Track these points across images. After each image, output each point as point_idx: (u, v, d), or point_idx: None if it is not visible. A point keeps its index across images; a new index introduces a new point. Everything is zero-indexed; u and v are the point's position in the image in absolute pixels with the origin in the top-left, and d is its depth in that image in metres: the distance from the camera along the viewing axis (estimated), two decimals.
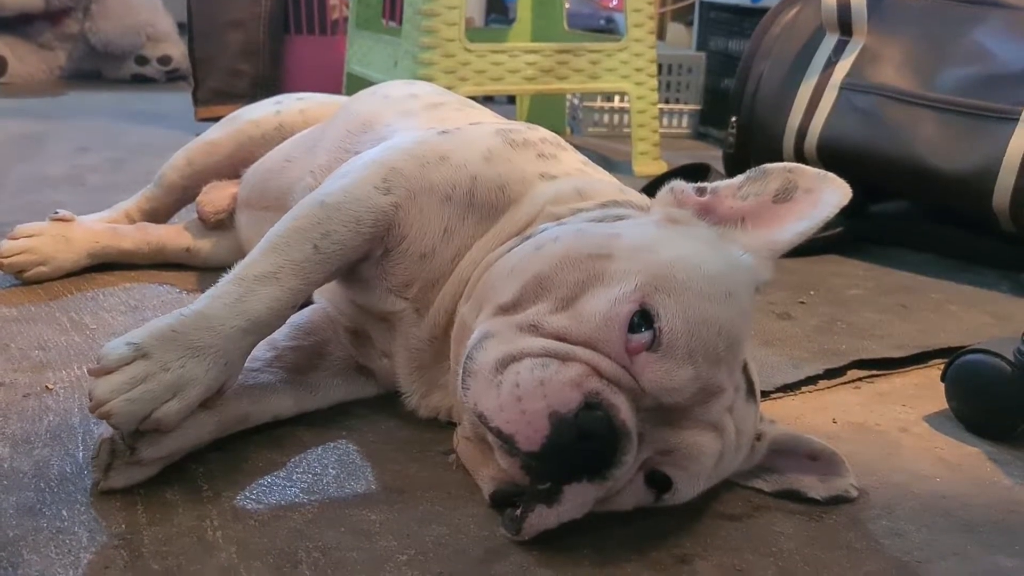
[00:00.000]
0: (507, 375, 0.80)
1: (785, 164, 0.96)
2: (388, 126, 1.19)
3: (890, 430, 1.10)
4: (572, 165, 1.08)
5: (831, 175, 0.95)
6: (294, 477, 0.93)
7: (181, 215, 1.60)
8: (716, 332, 0.82)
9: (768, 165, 0.97)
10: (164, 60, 3.64)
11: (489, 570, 0.80)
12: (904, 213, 1.83)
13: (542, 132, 1.10)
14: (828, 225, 0.96)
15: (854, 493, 0.94)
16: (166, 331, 0.88)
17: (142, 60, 3.63)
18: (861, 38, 1.74)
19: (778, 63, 1.81)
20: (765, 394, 1.12)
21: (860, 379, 1.22)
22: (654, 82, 2.27)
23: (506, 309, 0.87)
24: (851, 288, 1.56)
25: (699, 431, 0.82)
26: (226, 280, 0.94)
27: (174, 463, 0.92)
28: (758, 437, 0.94)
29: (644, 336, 0.80)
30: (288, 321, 1.08)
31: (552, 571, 0.81)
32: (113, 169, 2.22)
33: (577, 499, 0.80)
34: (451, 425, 1.00)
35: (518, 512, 0.82)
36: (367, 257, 1.00)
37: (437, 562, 0.81)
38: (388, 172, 1.00)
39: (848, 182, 0.93)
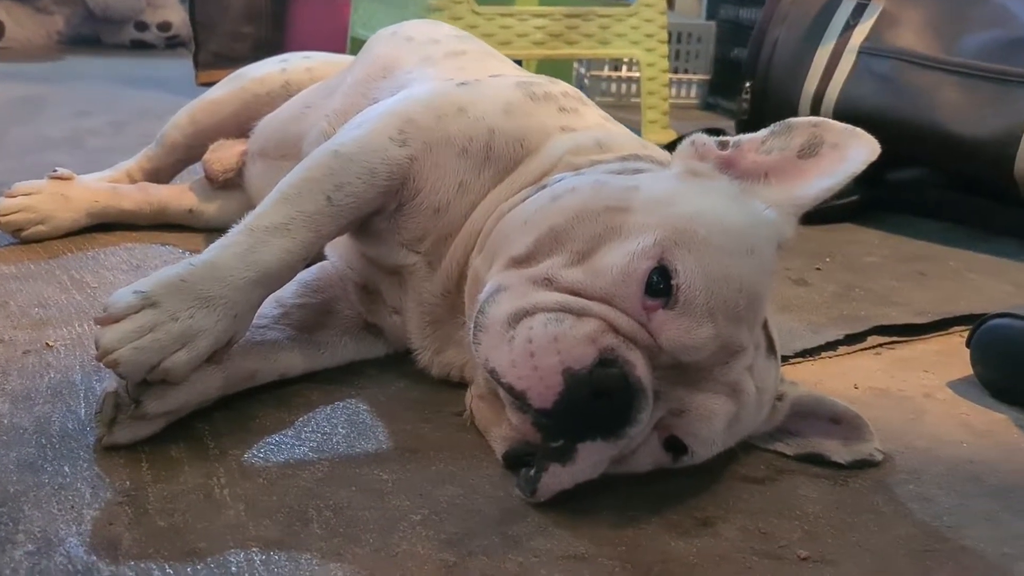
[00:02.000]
0: (520, 330, 0.77)
1: (810, 119, 0.93)
2: (408, 72, 1.16)
3: (914, 396, 1.07)
4: (593, 120, 1.05)
5: (859, 130, 0.92)
6: (303, 436, 0.90)
7: (183, 177, 1.57)
8: (737, 289, 0.79)
9: (793, 119, 0.93)
10: (164, 26, 3.58)
11: (506, 530, 0.78)
12: (921, 181, 1.80)
13: (563, 86, 1.06)
14: (843, 193, 0.93)
15: (879, 457, 0.91)
16: (175, 280, 0.85)
17: (141, 26, 3.58)
18: (880, 1, 1.70)
19: (794, 27, 1.77)
20: (784, 359, 1.09)
21: (880, 345, 1.19)
22: (665, 48, 2.23)
23: (519, 262, 0.84)
24: (867, 255, 1.53)
25: (713, 394, 0.79)
26: (236, 231, 0.91)
27: (179, 421, 0.89)
28: (779, 398, 0.92)
29: (662, 292, 0.78)
30: (296, 278, 1.05)
31: (570, 532, 0.78)
32: (114, 132, 2.18)
33: (591, 458, 0.78)
34: (463, 386, 0.97)
35: (532, 472, 0.80)
36: (380, 211, 0.97)
37: (452, 522, 0.78)
38: (404, 123, 0.97)
39: None
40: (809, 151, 0.91)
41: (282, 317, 1.01)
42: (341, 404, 0.97)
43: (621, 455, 0.80)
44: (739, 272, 0.79)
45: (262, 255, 0.88)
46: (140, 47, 3.60)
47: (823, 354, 1.15)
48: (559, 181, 0.92)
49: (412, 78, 1.13)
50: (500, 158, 0.96)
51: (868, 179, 1.80)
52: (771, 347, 0.87)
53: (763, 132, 0.93)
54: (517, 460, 0.83)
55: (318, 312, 1.04)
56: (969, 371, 1.10)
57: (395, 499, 0.81)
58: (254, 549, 0.73)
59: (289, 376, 0.99)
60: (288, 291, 1.04)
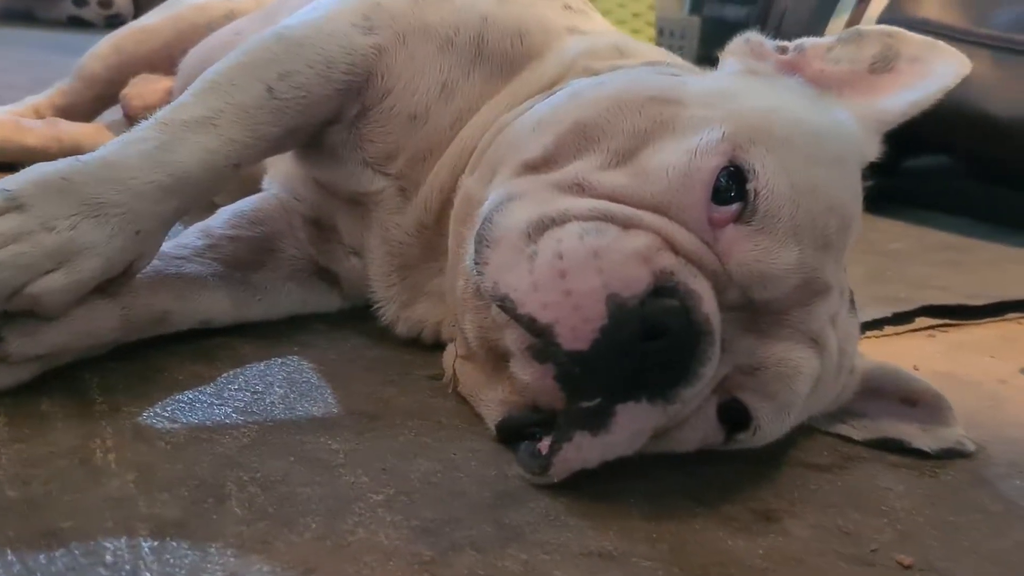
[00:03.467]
0: (544, 243, 0.56)
1: (883, 27, 0.76)
2: None
3: (984, 381, 0.88)
4: (605, 25, 0.85)
5: (941, 43, 0.75)
6: (226, 395, 0.68)
7: (103, 118, 1.33)
8: (827, 206, 0.59)
9: (863, 27, 0.77)
10: (105, 3, 3.33)
11: (501, 518, 0.56)
12: (941, 171, 1.63)
13: None
14: None
15: (970, 447, 0.72)
16: (54, 179, 0.63)
17: (80, 1, 3.32)
18: None
19: None
20: None
21: (932, 327, 1.01)
22: (651, 31, 2.07)
23: (535, 167, 0.64)
24: (892, 242, 1.36)
25: (794, 344, 0.60)
26: (144, 125, 0.69)
27: (58, 369, 0.66)
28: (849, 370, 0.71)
29: (734, 200, 0.58)
30: (229, 208, 0.84)
31: (590, 524, 0.57)
32: (33, 87, 1.93)
33: (631, 426, 0.57)
34: (436, 348, 0.76)
35: (543, 444, 0.58)
36: (337, 118, 0.76)
37: (427, 505, 0.56)
38: (370, 8, 0.76)
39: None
40: (883, 64, 0.74)
41: (208, 250, 0.79)
42: (279, 360, 0.75)
43: (666, 426, 0.59)
44: (829, 184, 0.60)
45: (177, 154, 0.66)
46: (78, 24, 3.34)
47: (868, 333, 0.96)
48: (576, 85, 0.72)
49: None
50: (494, 55, 0.76)
51: (883, 166, 1.61)
52: (852, 301, 0.67)
53: (829, 39, 0.76)
54: (516, 432, 0.62)
55: (255, 249, 0.81)
56: None
57: (349, 474, 0.59)
58: (143, 532, 0.51)
59: (213, 324, 0.77)
60: (218, 220, 0.82)
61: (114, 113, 1.31)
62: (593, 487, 0.59)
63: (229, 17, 1.24)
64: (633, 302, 0.54)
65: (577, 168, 0.61)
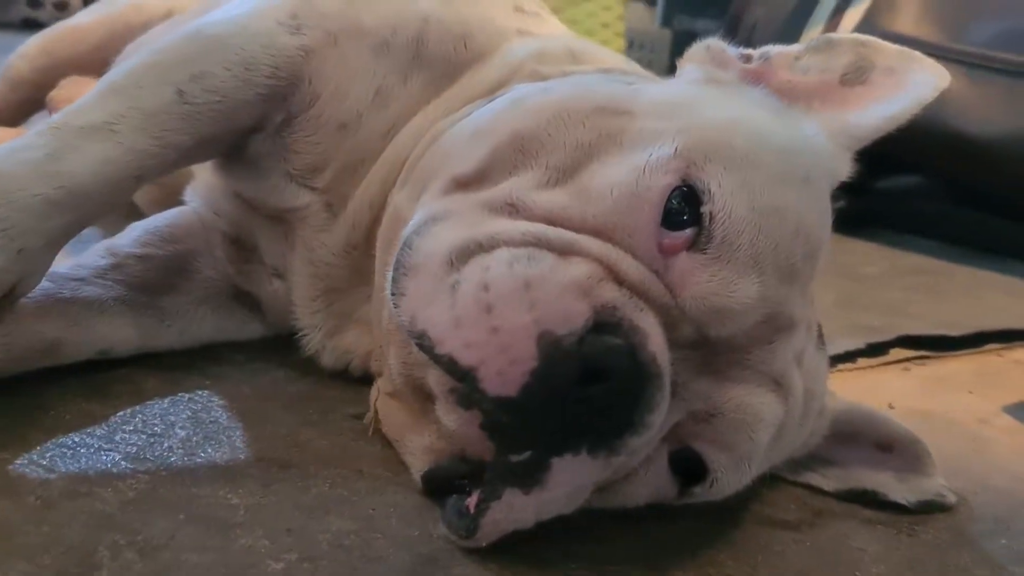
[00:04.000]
0: (469, 271, 0.49)
1: (856, 36, 0.70)
2: None
3: (965, 421, 0.82)
4: (560, 29, 0.79)
5: (918, 54, 0.69)
6: (117, 438, 0.60)
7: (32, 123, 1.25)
8: (792, 231, 0.53)
9: (834, 35, 0.70)
10: (60, 5, 3.22)
11: None
12: (914, 192, 1.58)
13: None
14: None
15: (952, 499, 0.65)
16: None
17: (35, 3, 3.21)
18: None
19: (776, 10, 1.56)
20: None
21: (908, 360, 0.94)
22: (621, 42, 2.01)
23: (466, 183, 0.57)
24: (865, 266, 1.30)
25: (755, 387, 0.53)
26: (36, 130, 0.61)
27: None
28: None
29: (687, 224, 0.51)
30: (140, 224, 0.76)
31: None
32: None
33: (569, 482, 0.50)
34: (368, 381, 0.69)
35: (470, 501, 0.51)
36: (260, 126, 0.68)
37: (334, 574, 0.49)
38: (299, 5, 0.69)
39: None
40: (856, 76, 0.67)
41: (112, 270, 0.71)
42: (186, 397, 0.67)
43: (610, 480, 0.52)
44: (794, 206, 0.53)
45: (69, 164, 0.59)
46: (33, 26, 3.22)
47: (840, 366, 0.89)
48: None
49: None
50: (435, 60, 0.69)
51: (855, 187, 1.54)
52: (820, 335, 0.61)
53: (797, 46, 0.69)
54: (444, 484, 0.55)
55: (167, 269, 0.73)
56: (1022, 395, 0.86)
57: (246, 535, 0.51)
58: None
59: (114, 354, 0.68)
60: (127, 237, 0.74)
61: (43, 118, 1.22)
62: (528, 550, 0.52)
63: (168, 17, 1.16)
64: (569, 340, 0.47)
65: (511, 185, 0.54)
